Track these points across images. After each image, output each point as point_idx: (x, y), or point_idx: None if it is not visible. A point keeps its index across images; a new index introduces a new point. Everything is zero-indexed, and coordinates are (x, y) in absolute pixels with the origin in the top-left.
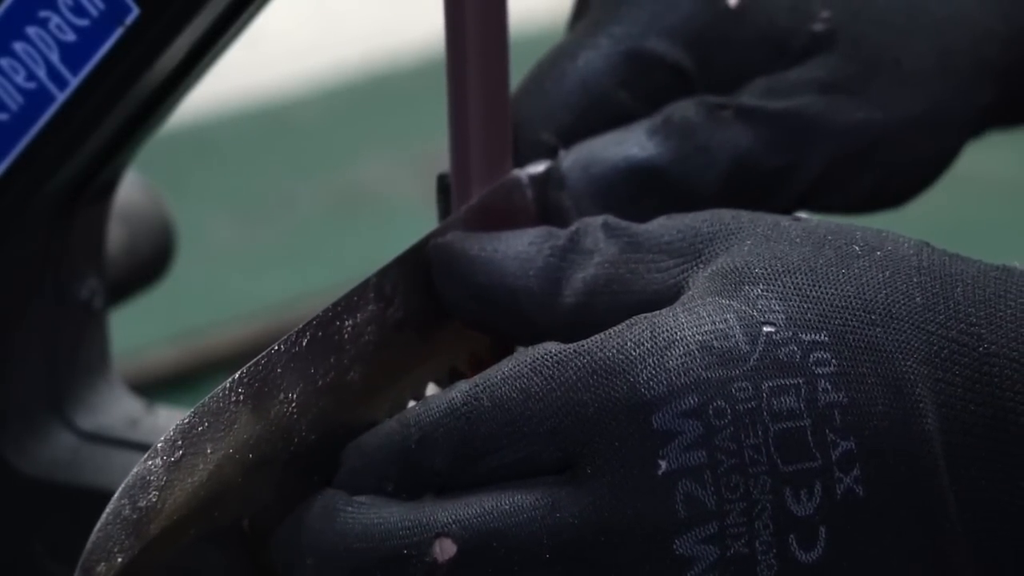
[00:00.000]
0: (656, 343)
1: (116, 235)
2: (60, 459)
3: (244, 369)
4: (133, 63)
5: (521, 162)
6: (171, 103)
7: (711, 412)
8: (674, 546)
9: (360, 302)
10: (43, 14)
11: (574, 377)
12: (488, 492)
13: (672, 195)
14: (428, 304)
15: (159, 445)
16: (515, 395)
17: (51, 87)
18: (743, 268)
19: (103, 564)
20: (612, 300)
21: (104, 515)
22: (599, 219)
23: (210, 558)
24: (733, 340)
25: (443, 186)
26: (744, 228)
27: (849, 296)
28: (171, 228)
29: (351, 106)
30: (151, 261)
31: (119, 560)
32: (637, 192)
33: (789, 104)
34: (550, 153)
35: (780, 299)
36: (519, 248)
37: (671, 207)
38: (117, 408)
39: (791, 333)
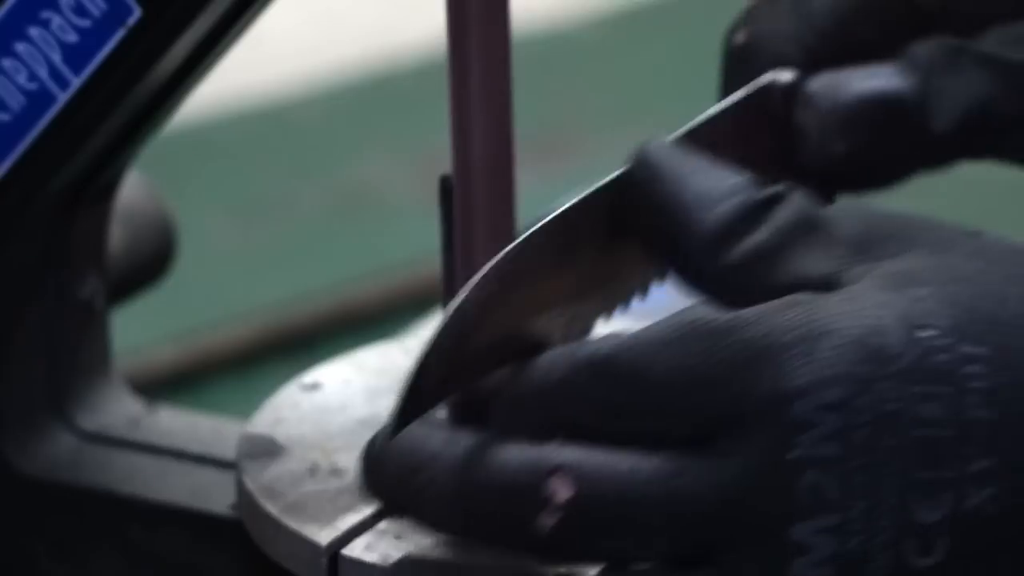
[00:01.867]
0: (810, 330)
1: (117, 235)
2: (60, 459)
3: (555, 215)
4: (135, 64)
5: (756, 68)
6: (173, 104)
7: (853, 408)
8: (791, 531)
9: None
10: (45, 14)
11: (721, 355)
12: (614, 448)
13: (911, 131)
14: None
15: (476, 280)
16: (658, 360)
17: (53, 87)
18: (911, 271)
19: (428, 377)
20: (773, 270)
21: (428, 339)
22: (797, 194)
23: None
24: (888, 339)
25: (445, 188)
26: (920, 236)
27: (1017, 316)
28: (172, 228)
29: (351, 106)
30: (152, 261)
31: (441, 374)
32: (878, 123)
33: None
34: (785, 64)
35: (944, 305)
36: (716, 184)
37: (908, 143)
38: (117, 408)
39: (950, 341)
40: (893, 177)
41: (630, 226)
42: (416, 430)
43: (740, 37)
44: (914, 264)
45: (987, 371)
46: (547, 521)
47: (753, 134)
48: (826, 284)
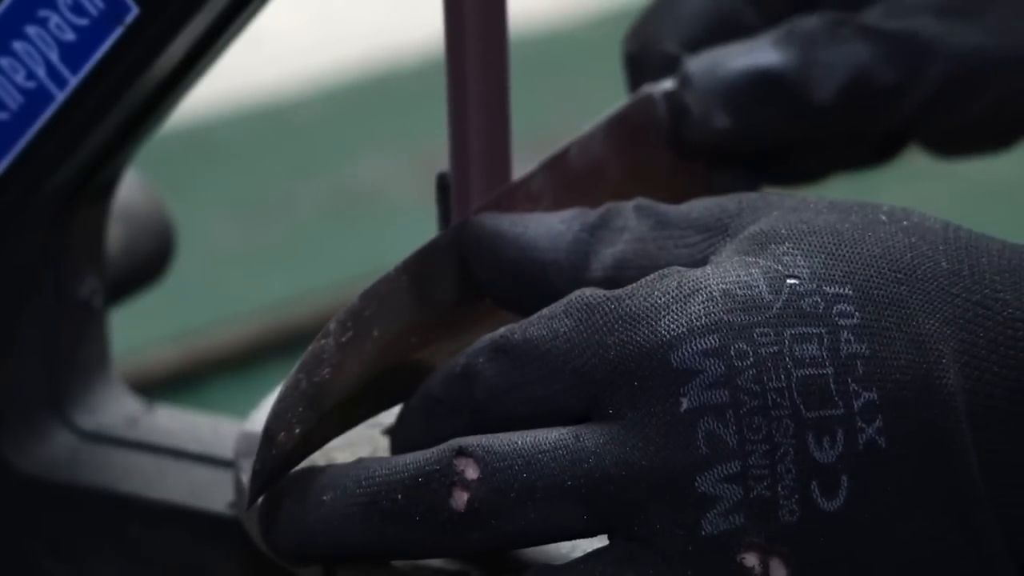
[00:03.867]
0: (681, 292)
1: (116, 235)
2: (60, 458)
3: (410, 256)
4: (133, 62)
5: (649, 72)
6: (171, 103)
7: (733, 353)
8: (696, 483)
9: (512, 203)
10: (43, 13)
11: (600, 322)
12: (513, 433)
13: (792, 102)
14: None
15: (331, 325)
16: (545, 333)
17: (51, 86)
18: (768, 231)
19: (283, 433)
20: (640, 274)
21: (282, 387)
22: (631, 202)
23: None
24: (756, 289)
25: (443, 185)
26: (771, 203)
27: (875, 256)
28: (171, 228)
29: (351, 106)
30: (151, 261)
31: (297, 430)
32: (759, 98)
33: (905, 25)
34: (676, 64)
35: (805, 255)
36: (550, 225)
37: (790, 114)
38: (116, 407)
39: (815, 285)
40: (779, 150)
41: (484, 294)
42: (312, 467)
43: (630, 45)
44: (770, 225)
45: (855, 308)
46: (460, 500)
47: (639, 144)
48: (693, 267)
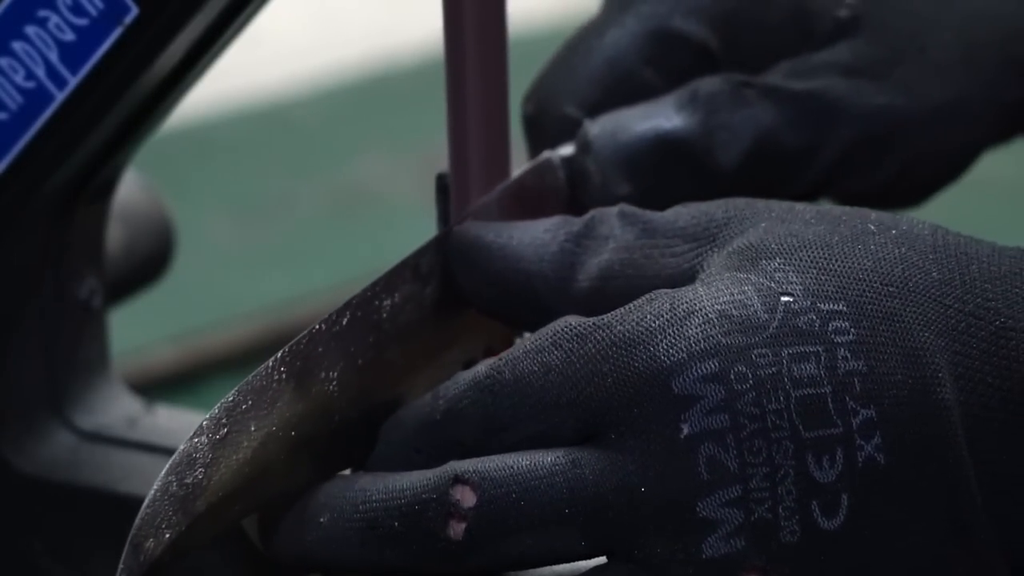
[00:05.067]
0: (675, 314)
1: (115, 235)
2: (59, 458)
3: (286, 348)
4: (132, 62)
5: (548, 135)
6: (170, 103)
7: (732, 377)
8: (697, 508)
9: (398, 281)
10: (42, 13)
11: (593, 350)
12: (510, 455)
13: (695, 168)
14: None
15: (204, 423)
16: (535, 368)
17: (50, 86)
18: (759, 245)
19: (151, 540)
20: (627, 284)
21: (152, 492)
22: (615, 208)
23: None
24: (752, 309)
25: (442, 186)
26: (759, 212)
27: (866, 269)
28: (170, 228)
29: (351, 106)
30: (150, 261)
31: (167, 536)
32: (661, 163)
33: (811, 85)
34: (576, 127)
35: (797, 271)
36: (535, 235)
37: (694, 180)
38: (116, 407)
39: (809, 302)
40: None
41: (469, 303)
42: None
43: (528, 107)
44: (759, 238)
45: (850, 324)
46: (456, 529)
47: (536, 212)
48: (680, 280)
